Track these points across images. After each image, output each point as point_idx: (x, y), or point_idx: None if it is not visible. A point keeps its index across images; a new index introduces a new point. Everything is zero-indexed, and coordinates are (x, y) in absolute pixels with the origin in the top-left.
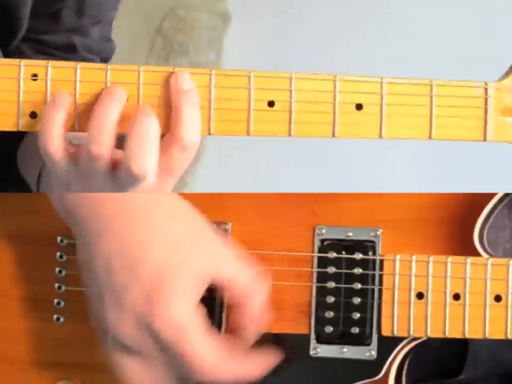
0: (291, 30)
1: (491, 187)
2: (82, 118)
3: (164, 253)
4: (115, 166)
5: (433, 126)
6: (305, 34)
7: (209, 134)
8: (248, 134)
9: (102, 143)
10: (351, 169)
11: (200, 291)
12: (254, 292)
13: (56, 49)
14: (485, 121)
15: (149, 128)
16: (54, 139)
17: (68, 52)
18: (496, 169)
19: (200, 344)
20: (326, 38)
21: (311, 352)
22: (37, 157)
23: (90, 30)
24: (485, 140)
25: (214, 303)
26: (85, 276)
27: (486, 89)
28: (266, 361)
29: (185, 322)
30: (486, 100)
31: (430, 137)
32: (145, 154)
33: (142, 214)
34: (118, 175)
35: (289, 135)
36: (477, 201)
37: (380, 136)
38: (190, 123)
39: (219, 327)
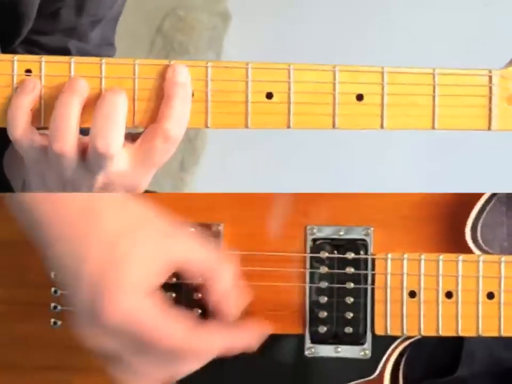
0: (291, 29)
1: (491, 184)
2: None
3: (104, 248)
4: (84, 152)
5: (436, 116)
6: (305, 34)
7: (207, 127)
8: (246, 126)
9: (63, 141)
10: (352, 168)
11: (153, 277)
12: (215, 271)
13: (50, 53)
14: (490, 109)
15: (115, 106)
16: (20, 124)
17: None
18: (496, 166)
19: (159, 323)
20: (326, 38)
21: (306, 352)
22: (20, 166)
23: (90, 34)
24: (489, 129)
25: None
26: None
27: (490, 77)
28: (253, 331)
29: (136, 310)
30: (490, 88)
31: (433, 127)
32: (110, 130)
33: (82, 215)
34: (87, 159)
35: (288, 127)
36: (467, 199)
37: (381, 127)
38: (178, 116)
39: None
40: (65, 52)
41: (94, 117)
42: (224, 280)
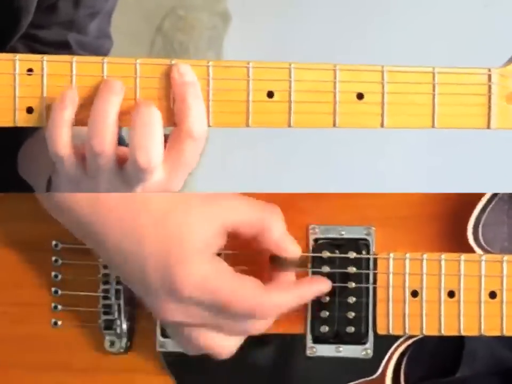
0: (291, 29)
1: (492, 183)
2: (79, 112)
3: (157, 225)
4: (122, 163)
5: (436, 115)
6: (305, 34)
7: (208, 126)
8: (247, 125)
9: (103, 138)
10: (353, 168)
11: (211, 242)
12: (267, 222)
13: (49, 46)
14: (489, 108)
15: (152, 119)
16: (63, 141)
17: (61, 49)
18: (497, 165)
19: (233, 286)
20: (326, 38)
21: (307, 352)
22: (44, 162)
23: (88, 26)
24: (489, 127)
25: None
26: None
27: (489, 76)
28: (316, 285)
29: (206, 275)
30: (489, 86)
31: (432, 126)
32: (150, 145)
33: (127, 200)
34: (125, 171)
35: (289, 125)
36: (469, 198)
37: (382, 125)
38: (198, 114)
39: None
40: (64, 45)
41: (132, 129)
42: (278, 227)
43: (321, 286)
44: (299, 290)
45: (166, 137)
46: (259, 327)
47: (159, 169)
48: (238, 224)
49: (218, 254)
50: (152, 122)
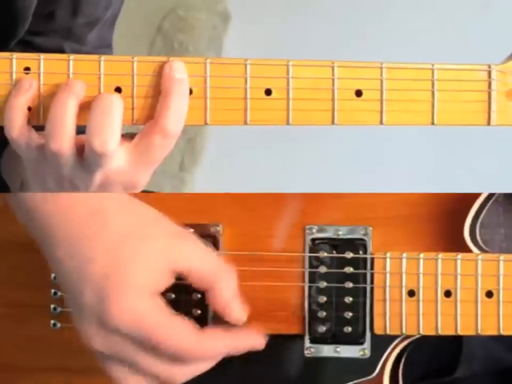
0: (291, 29)
1: (490, 183)
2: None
3: (110, 249)
4: (81, 151)
5: (436, 111)
6: (305, 33)
7: (206, 123)
8: (245, 123)
9: (60, 140)
10: (350, 168)
11: (157, 281)
12: (219, 279)
13: (45, 53)
14: (489, 104)
15: (110, 104)
16: (16, 124)
17: None
18: (496, 165)
19: (166, 325)
20: (326, 37)
21: (305, 352)
22: (19, 164)
23: (86, 35)
24: (489, 124)
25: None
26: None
27: (489, 72)
28: (256, 333)
29: (141, 311)
30: (489, 83)
31: (432, 123)
32: (106, 129)
33: (88, 216)
34: (85, 158)
35: (288, 123)
36: (466, 198)
37: (381, 122)
38: (176, 112)
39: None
40: (60, 53)
41: (90, 116)
42: (228, 289)
43: (255, 342)
44: (232, 341)
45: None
46: (181, 375)
47: (120, 157)
48: (189, 272)
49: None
50: (110, 108)
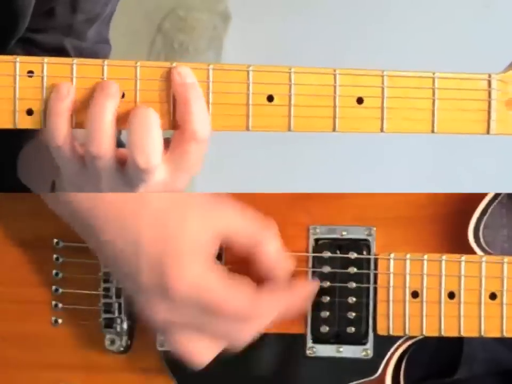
0: (291, 29)
1: (493, 184)
2: (79, 114)
3: (155, 223)
4: (122, 164)
5: (436, 120)
6: (305, 33)
7: None
8: (247, 129)
9: (100, 142)
10: (354, 168)
11: (206, 246)
12: (262, 238)
13: (46, 50)
14: (489, 114)
15: (149, 120)
16: (62, 131)
17: (57, 54)
18: (497, 166)
19: (224, 289)
20: (326, 38)
21: (308, 352)
22: (47, 168)
23: (86, 32)
24: (488, 133)
25: None
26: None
27: (489, 81)
28: (305, 290)
29: (201, 279)
30: (489, 92)
31: (432, 131)
32: (148, 145)
33: (129, 197)
34: (126, 172)
35: (289, 129)
36: (470, 199)
37: (382, 130)
38: (201, 116)
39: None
40: (61, 50)
41: (130, 131)
42: (272, 246)
43: (311, 290)
44: (290, 294)
45: (167, 141)
46: (246, 333)
47: (161, 169)
48: (233, 234)
49: (219, 257)
50: (150, 123)
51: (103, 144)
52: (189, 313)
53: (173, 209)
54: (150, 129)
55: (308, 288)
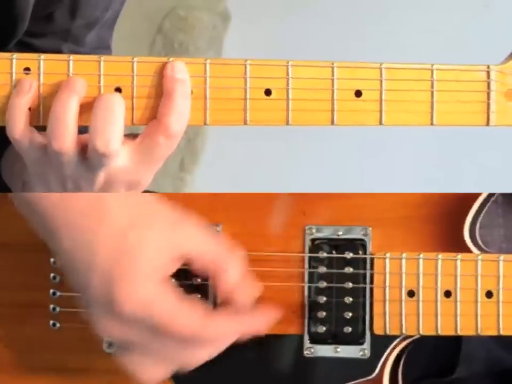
0: (291, 29)
1: (490, 184)
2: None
3: (114, 238)
4: (84, 150)
5: (435, 112)
6: (305, 33)
7: (206, 124)
8: (245, 123)
9: (62, 139)
10: (350, 168)
11: (163, 267)
12: (224, 262)
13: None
14: (488, 105)
15: (112, 105)
16: (19, 125)
17: None
18: (495, 165)
19: (174, 310)
20: (326, 38)
21: (305, 352)
22: (20, 165)
23: (85, 37)
24: (488, 124)
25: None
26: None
27: (488, 73)
28: (263, 317)
29: (149, 297)
30: (488, 83)
31: (431, 123)
32: (108, 129)
33: (91, 207)
34: (88, 158)
35: (287, 123)
36: (465, 198)
37: (380, 123)
38: (179, 113)
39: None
40: (58, 54)
41: (92, 116)
42: (234, 271)
43: (264, 323)
44: (244, 321)
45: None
46: (195, 356)
47: (123, 155)
48: (194, 256)
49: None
50: (112, 108)
51: (66, 141)
52: (136, 333)
53: (134, 226)
54: (112, 115)
55: (266, 317)
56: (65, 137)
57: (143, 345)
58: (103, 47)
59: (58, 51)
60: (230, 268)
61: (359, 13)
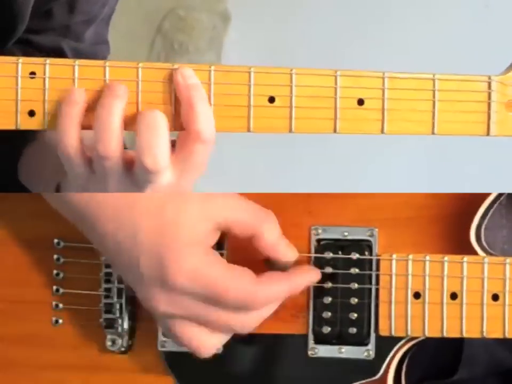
0: (291, 29)
1: (494, 185)
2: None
3: (153, 215)
4: (130, 166)
5: (436, 121)
6: (305, 34)
7: None
8: (248, 130)
9: (108, 143)
10: (355, 168)
11: (205, 236)
12: (263, 225)
13: (43, 52)
14: (489, 115)
15: (156, 122)
16: (73, 138)
17: (54, 55)
18: (498, 166)
19: (225, 277)
20: (326, 38)
21: (309, 353)
22: (51, 169)
23: (84, 33)
24: (488, 134)
25: None
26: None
27: (489, 83)
28: (306, 277)
29: (199, 266)
30: (489, 94)
31: (432, 133)
32: (156, 147)
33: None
34: (133, 173)
35: (290, 131)
36: (472, 199)
37: (382, 131)
38: (205, 117)
39: None
40: (58, 51)
41: (138, 133)
42: (272, 232)
43: (312, 275)
44: (290, 281)
45: (173, 142)
46: (249, 321)
47: (168, 171)
48: (231, 223)
49: (221, 246)
50: (157, 125)
51: (111, 144)
52: (189, 304)
53: (169, 201)
54: (158, 131)
55: (310, 274)
56: (111, 140)
57: (198, 315)
58: (101, 43)
59: (59, 47)
60: (267, 229)
61: (360, 13)
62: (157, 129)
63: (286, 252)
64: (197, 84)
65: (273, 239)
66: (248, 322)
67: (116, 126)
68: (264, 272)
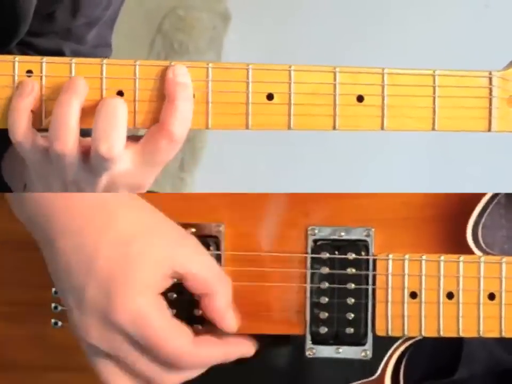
0: (291, 29)
1: (492, 184)
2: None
3: (118, 247)
4: (86, 153)
5: (437, 117)
6: (305, 34)
7: (207, 128)
8: (247, 127)
9: (65, 140)
10: (353, 169)
11: (160, 282)
12: (215, 288)
13: (44, 54)
14: (490, 111)
15: (115, 109)
16: (21, 127)
17: None
18: (497, 166)
19: (166, 330)
20: (326, 38)
21: (307, 353)
22: (21, 166)
23: (86, 35)
24: (489, 130)
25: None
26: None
27: (490, 79)
28: (243, 347)
29: (145, 311)
30: (490, 89)
31: (433, 129)
32: (111, 133)
33: (96, 211)
34: (90, 162)
35: (289, 128)
36: (469, 199)
37: (382, 128)
38: (181, 116)
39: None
40: (59, 54)
41: (95, 120)
42: (223, 298)
43: (247, 348)
44: (226, 350)
45: (138, 138)
46: (171, 379)
47: (127, 159)
48: (189, 276)
49: (219, 258)
50: (116, 113)
51: (68, 143)
52: (121, 345)
53: (137, 237)
54: (115, 119)
55: (245, 346)
56: (67, 139)
57: (125, 357)
58: (103, 45)
59: (60, 50)
60: (221, 293)
61: (359, 12)
62: (115, 117)
63: (230, 321)
64: (184, 83)
65: (223, 305)
66: (170, 380)
67: (72, 123)
68: (202, 335)
